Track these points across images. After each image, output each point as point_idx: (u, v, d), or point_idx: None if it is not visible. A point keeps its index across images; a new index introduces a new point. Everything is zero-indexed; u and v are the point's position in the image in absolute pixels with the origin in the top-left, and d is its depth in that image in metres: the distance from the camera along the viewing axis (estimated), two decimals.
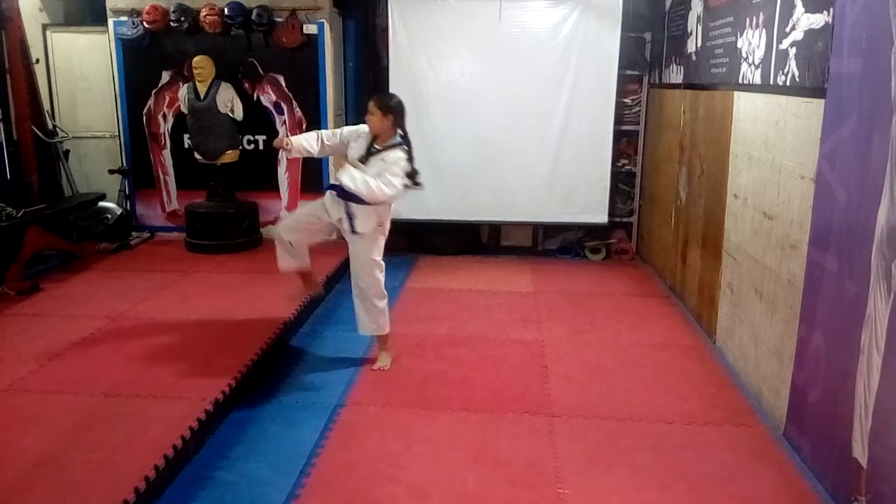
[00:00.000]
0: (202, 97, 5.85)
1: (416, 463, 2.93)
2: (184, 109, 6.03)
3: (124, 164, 6.48)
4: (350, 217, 3.66)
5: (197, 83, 5.85)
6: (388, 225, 3.85)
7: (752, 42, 3.69)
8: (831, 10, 2.78)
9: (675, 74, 5.41)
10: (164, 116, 6.38)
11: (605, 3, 5.90)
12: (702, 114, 4.71)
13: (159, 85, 6.31)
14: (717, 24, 4.35)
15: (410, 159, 3.67)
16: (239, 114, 6.01)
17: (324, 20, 6.05)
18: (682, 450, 3.07)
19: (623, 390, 3.66)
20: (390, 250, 6.57)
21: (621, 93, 6.17)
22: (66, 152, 6.30)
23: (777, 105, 3.38)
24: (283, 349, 4.16)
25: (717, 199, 4.27)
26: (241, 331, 4.11)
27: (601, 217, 6.30)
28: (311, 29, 6.02)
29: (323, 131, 3.90)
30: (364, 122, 3.71)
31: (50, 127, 6.11)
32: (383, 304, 3.89)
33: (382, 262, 3.85)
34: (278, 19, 5.99)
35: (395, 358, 3.97)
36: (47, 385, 3.39)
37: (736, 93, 4.00)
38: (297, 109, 6.27)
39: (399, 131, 3.69)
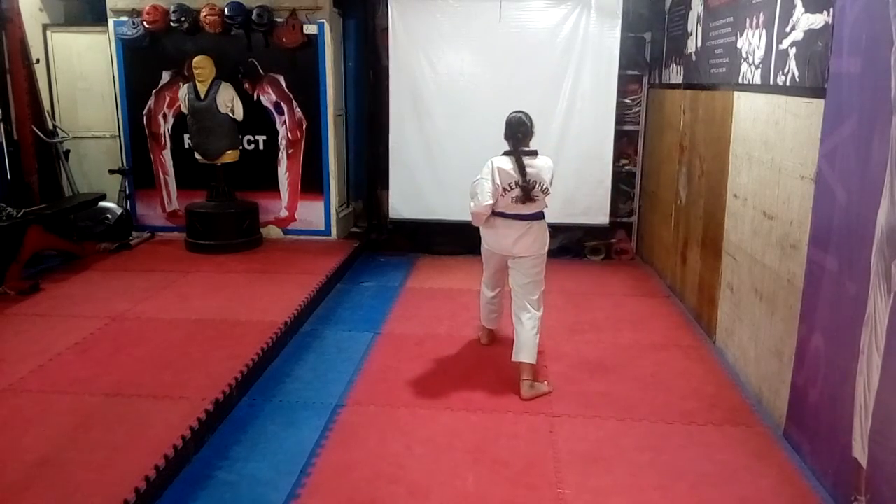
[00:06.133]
0: (202, 97, 5.85)
1: (416, 463, 2.93)
2: (184, 109, 6.03)
3: (124, 164, 6.49)
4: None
5: (197, 83, 5.86)
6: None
7: (752, 42, 3.69)
8: (831, 10, 2.78)
9: (676, 74, 5.41)
10: (165, 116, 6.39)
11: (606, 3, 5.90)
12: (702, 114, 4.71)
13: (159, 85, 6.31)
14: (717, 25, 4.35)
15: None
16: (239, 114, 6.02)
17: (324, 20, 6.05)
18: (682, 450, 3.07)
19: (623, 390, 3.66)
20: (390, 250, 6.72)
21: (621, 93, 6.17)
22: (67, 152, 6.31)
23: (777, 105, 3.38)
24: (283, 349, 4.16)
25: (717, 198, 4.27)
26: (241, 331, 4.11)
27: (602, 219, 6.28)
28: (311, 29, 6.03)
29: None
30: None
31: (50, 127, 6.12)
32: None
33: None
34: (278, 19, 6.00)
35: (401, 360, 3.98)
36: (47, 385, 3.39)
37: (736, 93, 3.99)
38: (298, 109, 6.27)
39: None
